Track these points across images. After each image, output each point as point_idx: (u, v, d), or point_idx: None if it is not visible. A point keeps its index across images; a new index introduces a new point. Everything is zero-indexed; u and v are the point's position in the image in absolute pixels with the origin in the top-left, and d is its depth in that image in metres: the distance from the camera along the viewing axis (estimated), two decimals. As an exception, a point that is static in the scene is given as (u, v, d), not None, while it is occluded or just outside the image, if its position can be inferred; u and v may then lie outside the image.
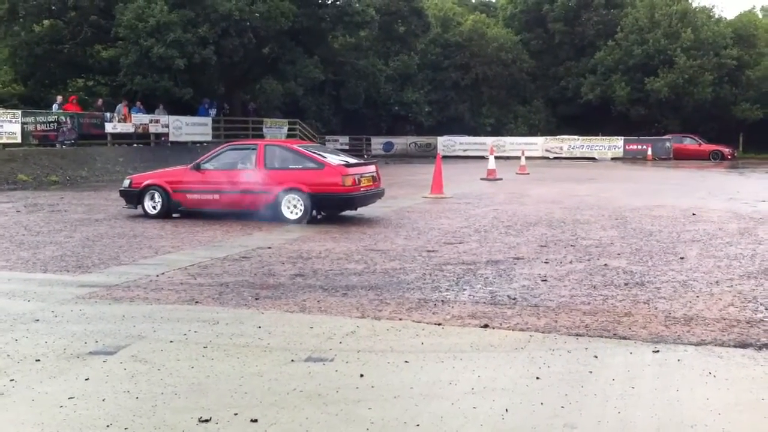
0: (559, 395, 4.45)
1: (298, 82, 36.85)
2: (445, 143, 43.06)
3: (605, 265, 8.59)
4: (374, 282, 7.64)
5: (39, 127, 24.01)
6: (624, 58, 42.98)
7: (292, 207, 12.15)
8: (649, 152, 38.38)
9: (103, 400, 4.38)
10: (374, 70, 40.93)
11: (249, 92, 38.53)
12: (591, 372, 4.87)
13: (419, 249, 9.77)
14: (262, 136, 32.41)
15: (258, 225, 11.81)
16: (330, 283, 7.57)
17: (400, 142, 45.21)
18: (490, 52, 46.80)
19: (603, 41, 44.82)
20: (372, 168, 13.41)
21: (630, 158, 38.66)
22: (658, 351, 5.29)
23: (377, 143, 45.20)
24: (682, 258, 9.00)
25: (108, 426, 4.01)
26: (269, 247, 9.88)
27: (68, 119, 25.28)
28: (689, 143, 39.31)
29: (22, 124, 23.18)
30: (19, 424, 4.06)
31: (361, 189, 12.55)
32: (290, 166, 12.39)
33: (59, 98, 27.28)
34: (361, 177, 12.59)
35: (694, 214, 13.48)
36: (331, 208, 12.61)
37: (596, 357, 5.16)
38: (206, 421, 4.07)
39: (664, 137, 40.11)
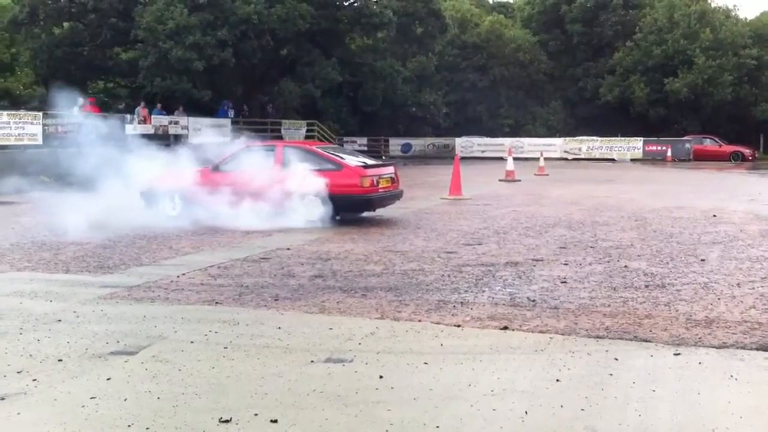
0: (580, 398, 4.43)
1: (315, 83, 36.97)
2: (463, 144, 43.03)
3: (625, 266, 8.55)
4: (393, 283, 7.64)
5: (60, 129, 24.18)
6: (643, 58, 42.77)
7: (311, 208, 12.15)
8: (669, 153, 38.16)
9: (125, 400, 4.41)
10: (392, 71, 40.96)
11: (267, 94, 38.67)
12: (611, 374, 4.84)
13: (438, 250, 9.76)
14: (280, 138, 32.49)
15: (277, 226, 11.83)
16: (349, 284, 7.58)
17: (418, 144, 45.24)
18: (508, 53, 46.72)
19: (621, 42, 44.63)
20: (390, 169, 13.41)
21: (649, 159, 38.45)
22: (679, 353, 5.26)
23: (395, 144, 45.24)
24: (703, 260, 8.94)
25: (129, 426, 4.03)
26: (288, 248, 9.91)
27: (87, 121, 25.43)
28: (709, 144, 39.05)
29: (43, 125, 23.38)
30: (42, 423, 4.09)
31: (380, 190, 12.55)
32: (308, 168, 12.39)
33: (80, 100, 27.48)
34: (380, 178, 12.60)
35: (714, 216, 13.38)
36: (349, 209, 12.62)
37: (617, 359, 5.13)
38: (227, 421, 4.08)
39: (683, 138, 39.88)
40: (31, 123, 23.20)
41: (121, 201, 13.08)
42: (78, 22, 33.07)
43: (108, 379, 4.76)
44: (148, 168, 13.42)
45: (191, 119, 29.84)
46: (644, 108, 42.50)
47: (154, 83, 29.47)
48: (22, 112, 23.82)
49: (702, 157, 37.76)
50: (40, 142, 23.31)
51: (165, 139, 28.86)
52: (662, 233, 11.29)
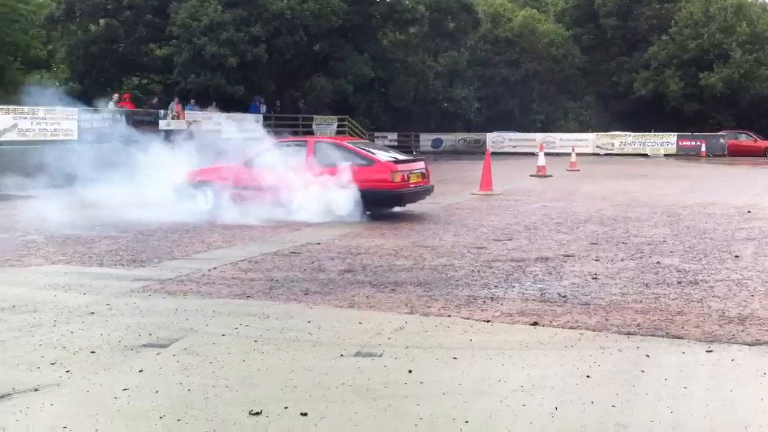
0: (610, 394, 4.40)
1: (348, 79, 37.01)
2: (494, 139, 42.78)
3: (657, 263, 8.47)
4: (423, 278, 7.64)
5: (95, 125, 24.46)
6: (678, 52, 42.22)
7: (342, 203, 12.17)
8: (703, 149, 37.61)
9: (157, 391, 4.46)
10: (423, 66, 40.85)
11: (299, 89, 38.79)
12: (643, 371, 4.80)
13: (468, 246, 9.74)
14: (312, 133, 32.56)
15: (307, 221, 11.87)
16: (379, 279, 7.59)
17: (449, 139, 45.08)
18: (541, 47, 46.37)
19: (656, 36, 44.07)
20: (421, 164, 13.40)
21: (683, 155, 37.94)
22: (711, 350, 5.20)
23: (426, 140, 45.13)
24: (736, 256, 8.82)
25: (161, 417, 4.08)
26: (318, 243, 9.94)
27: (123, 117, 25.72)
28: (744, 139, 38.46)
29: (78, 121, 23.67)
30: (74, 414, 4.15)
31: (410, 185, 12.55)
32: (339, 163, 12.43)
33: (115, 96, 27.78)
34: (410, 173, 12.60)
35: (749, 212, 13.20)
36: (380, 204, 12.62)
37: (648, 356, 5.09)
38: (257, 414, 4.12)
39: (718, 133, 39.30)
40: (67, 119, 23.49)
41: (155, 195, 13.21)
42: (114, 19, 33.38)
43: (140, 371, 4.82)
44: (181, 163, 13.56)
45: (223, 114, 29.99)
46: (679, 103, 41.96)
47: (188, 79, 29.69)
48: (57, 108, 24.09)
49: (737, 153, 37.17)
50: (75, 137, 23.58)
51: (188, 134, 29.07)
52: (695, 229, 11.16)
